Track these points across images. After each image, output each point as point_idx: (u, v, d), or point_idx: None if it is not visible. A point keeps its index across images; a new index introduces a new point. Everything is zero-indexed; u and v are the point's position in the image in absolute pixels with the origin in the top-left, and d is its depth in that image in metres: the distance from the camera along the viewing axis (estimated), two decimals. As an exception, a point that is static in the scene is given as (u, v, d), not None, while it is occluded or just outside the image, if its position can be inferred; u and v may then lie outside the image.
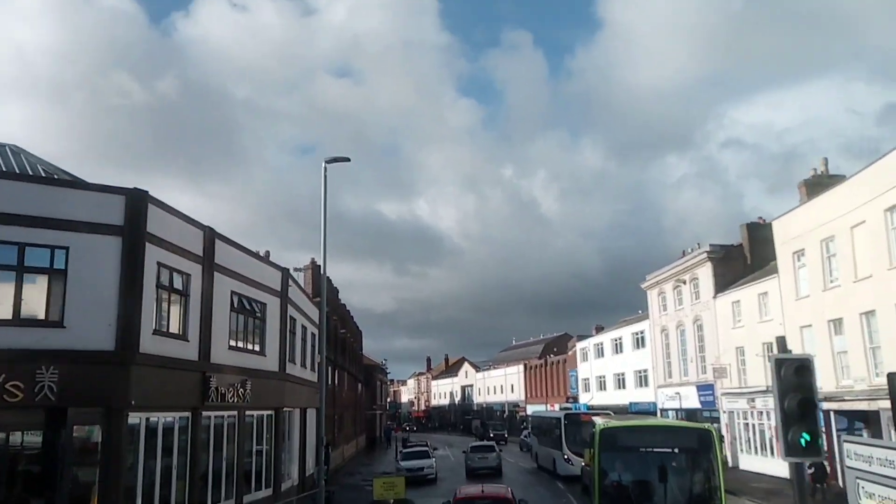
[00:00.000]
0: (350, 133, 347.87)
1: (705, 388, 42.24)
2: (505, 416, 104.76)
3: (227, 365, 21.45)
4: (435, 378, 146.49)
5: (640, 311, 62.81)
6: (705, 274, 42.60)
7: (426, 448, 40.83)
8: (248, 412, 23.17)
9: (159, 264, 17.86)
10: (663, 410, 48.77)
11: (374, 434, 74.20)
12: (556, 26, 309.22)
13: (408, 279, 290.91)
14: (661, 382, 48.91)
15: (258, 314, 24.52)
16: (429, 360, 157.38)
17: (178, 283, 18.97)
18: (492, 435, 67.84)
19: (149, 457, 17.37)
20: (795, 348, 32.63)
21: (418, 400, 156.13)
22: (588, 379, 66.10)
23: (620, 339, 57.70)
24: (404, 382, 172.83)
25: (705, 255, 42.23)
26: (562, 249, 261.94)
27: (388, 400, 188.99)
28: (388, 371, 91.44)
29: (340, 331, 50.20)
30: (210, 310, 20.38)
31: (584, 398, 66.39)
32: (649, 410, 49.73)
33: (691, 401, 43.59)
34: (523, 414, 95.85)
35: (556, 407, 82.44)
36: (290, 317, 28.37)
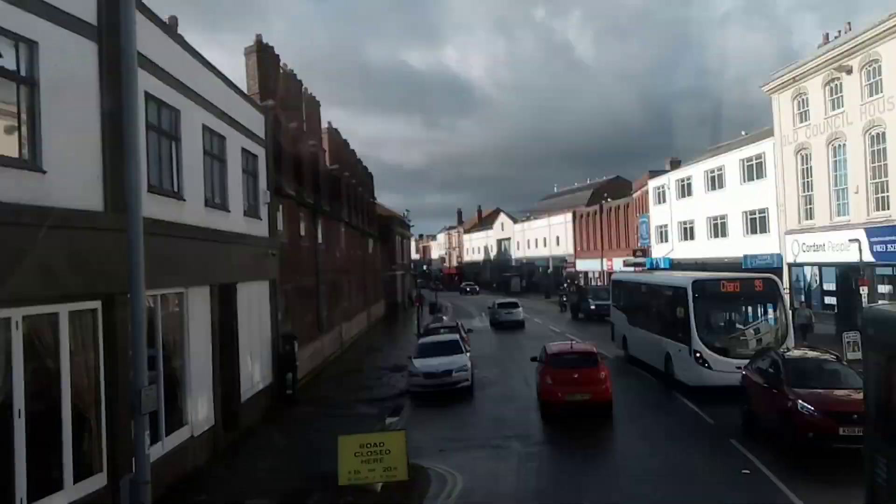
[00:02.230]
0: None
1: (885, 232, 27.18)
2: (549, 272, 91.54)
3: None
4: (467, 231, 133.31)
5: (742, 133, 46.94)
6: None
7: (455, 336, 26.22)
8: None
9: None
10: (794, 265, 34.03)
11: (395, 299, 61.22)
12: None
13: (438, 133, 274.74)
14: (794, 227, 33.79)
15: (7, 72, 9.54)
16: (459, 212, 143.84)
17: None
18: (593, 307, 45.17)
19: None
20: None
21: (449, 256, 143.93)
22: (665, 226, 51.18)
23: (721, 169, 42.05)
24: (434, 237, 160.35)
25: (906, 15, 25.78)
26: (598, 96, 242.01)
27: (417, 257, 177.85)
28: (411, 224, 77.58)
29: (329, 165, 35.43)
30: None
31: (660, 251, 51.80)
32: (772, 266, 35.02)
33: (853, 251, 28.61)
34: (572, 270, 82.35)
35: (614, 264, 68.28)
36: (156, 100, 13.40)
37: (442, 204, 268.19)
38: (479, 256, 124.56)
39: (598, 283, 70.72)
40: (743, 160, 39.14)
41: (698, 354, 19.13)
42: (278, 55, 24.95)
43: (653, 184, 53.64)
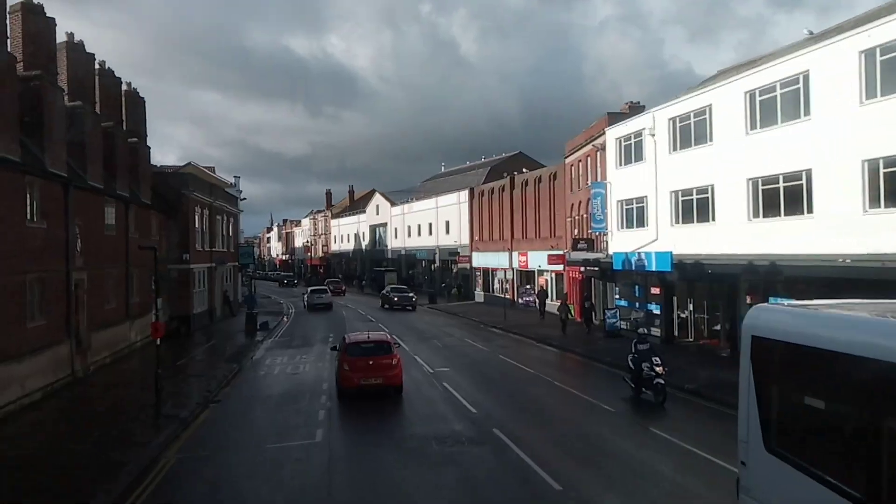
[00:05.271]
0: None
1: None
2: (434, 268, 69.88)
3: None
4: (336, 216, 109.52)
5: (806, 31, 26.56)
6: None
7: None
8: None
9: None
10: None
11: (187, 309, 36.95)
12: None
13: (321, 122, 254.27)
14: None
15: None
16: (328, 193, 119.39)
17: None
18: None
19: None
20: None
21: (314, 244, 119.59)
22: (640, 200, 30.09)
23: (798, 81, 21.09)
24: (298, 223, 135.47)
25: None
26: (480, 94, 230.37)
27: (278, 247, 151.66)
28: (241, 196, 53.57)
29: None
30: None
31: (625, 240, 30.78)
32: None
33: None
34: (465, 265, 60.94)
35: (530, 259, 47.18)
36: None
37: (322, 194, 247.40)
38: (350, 245, 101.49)
39: (528, 286, 49.20)
40: (879, 49, 18.30)
41: None
42: None
43: (615, 132, 32.55)
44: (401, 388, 19.58)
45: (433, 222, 69.40)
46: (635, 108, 35.03)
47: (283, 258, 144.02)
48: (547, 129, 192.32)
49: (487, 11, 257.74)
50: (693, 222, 26.44)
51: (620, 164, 32.16)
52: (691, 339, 27.73)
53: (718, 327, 26.54)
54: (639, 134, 30.16)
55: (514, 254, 49.95)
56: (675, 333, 28.60)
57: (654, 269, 27.31)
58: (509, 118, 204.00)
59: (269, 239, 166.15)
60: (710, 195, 25.31)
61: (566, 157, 42.31)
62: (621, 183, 31.95)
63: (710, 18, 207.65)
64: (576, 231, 39.11)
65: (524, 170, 55.59)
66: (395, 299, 51.49)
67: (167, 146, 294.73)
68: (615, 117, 33.92)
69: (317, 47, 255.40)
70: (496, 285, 55.01)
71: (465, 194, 61.66)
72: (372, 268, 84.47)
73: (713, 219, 25.07)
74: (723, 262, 23.80)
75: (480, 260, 57.47)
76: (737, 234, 23.47)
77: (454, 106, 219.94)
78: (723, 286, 25.21)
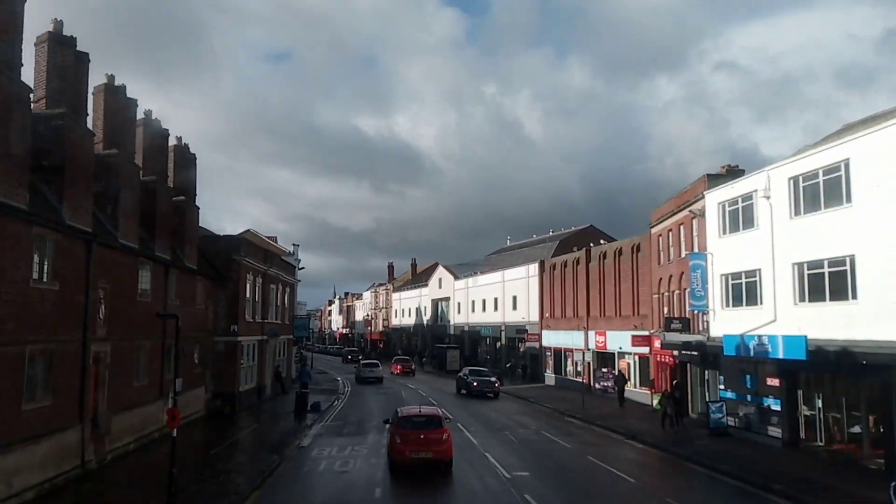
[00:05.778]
0: (326, 39, 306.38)
1: None
2: (499, 346, 65.59)
3: None
4: (397, 289, 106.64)
5: None
6: None
7: None
8: None
9: None
10: None
11: (233, 386, 33.68)
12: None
13: (386, 198, 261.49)
14: None
15: None
16: (391, 266, 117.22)
17: None
18: None
19: None
20: None
21: (375, 318, 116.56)
22: (751, 274, 25.54)
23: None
24: (359, 296, 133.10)
25: None
26: (544, 173, 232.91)
27: (339, 321, 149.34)
28: (300, 265, 50.97)
29: None
30: None
31: (728, 321, 26.16)
32: None
33: None
34: (534, 343, 56.46)
35: (609, 340, 42.64)
36: None
37: (384, 268, 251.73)
38: (410, 320, 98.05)
39: (605, 370, 43.74)
40: None
41: None
42: None
43: (716, 196, 28.45)
44: (450, 462, 19.98)
45: (499, 297, 65.47)
46: (734, 172, 31.05)
47: (344, 332, 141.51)
48: (611, 208, 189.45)
49: (551, 93, 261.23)
50: (825, 300, 21.86)
51: (724, 233, 27.89)
52: (821, 444, 22.78)
53: (858, 429, 21.63)
54: (748, 197, 25.99)
55: (591, 333, 45.41)
56: (802, 435, 23.64)
57: (780, 356, 22.64)
58: (573, 196, 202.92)
59: (330, 312, 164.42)
60: (848, 268, 20.83)
61: (652, 227, 38.19)
62: (726, 254, 27.62)
63: (777, 99, 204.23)
64: (666, 309, 34.65)
65: (601, 241, 51.63)
66: (475, 384, 43.41)
67: (239, 221, 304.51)
68: (715, 180, 29.88)
69: (384, 126, 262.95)
70: (569, 367, 50.31)
71: (534, 267, 57.79)
72: (433, 344, 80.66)
73: (854, 296, 20.51)
74: (872, 351, 19.15)
75: (551, 339, 52.99)
76: (889, 316, 18.87)
77: (518, 184, 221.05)
78: (866, 379, 20.46)
